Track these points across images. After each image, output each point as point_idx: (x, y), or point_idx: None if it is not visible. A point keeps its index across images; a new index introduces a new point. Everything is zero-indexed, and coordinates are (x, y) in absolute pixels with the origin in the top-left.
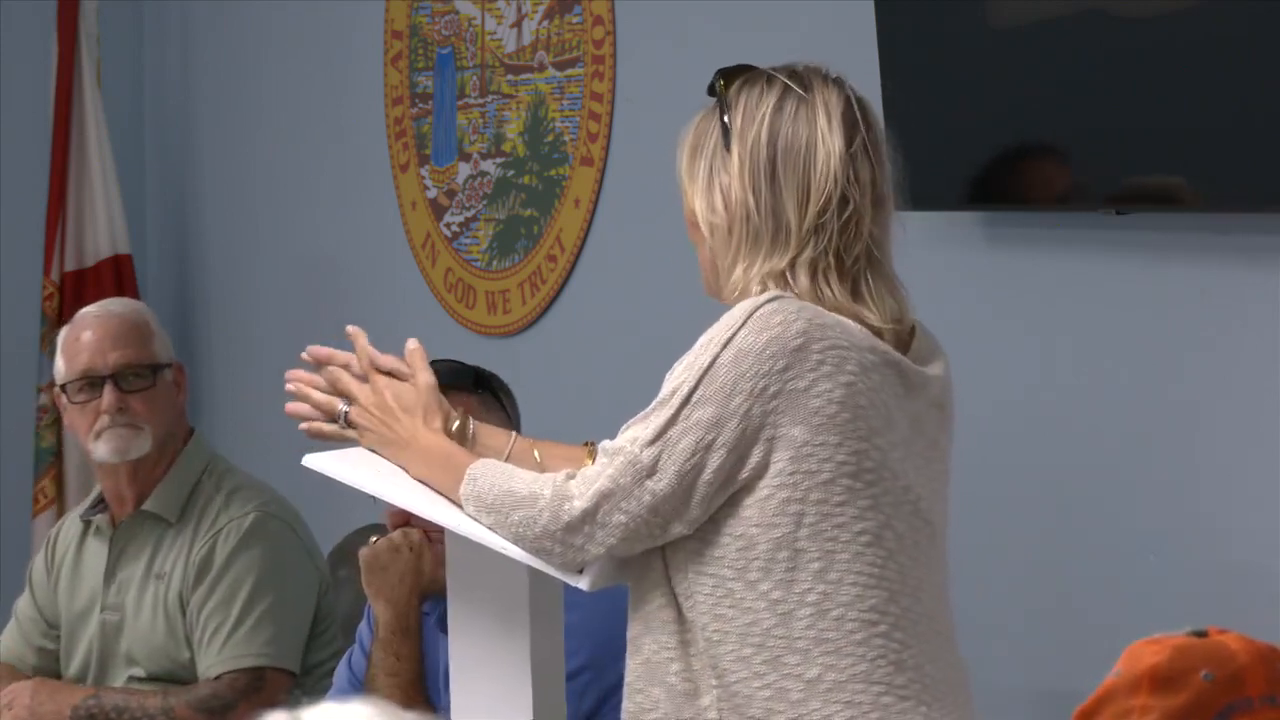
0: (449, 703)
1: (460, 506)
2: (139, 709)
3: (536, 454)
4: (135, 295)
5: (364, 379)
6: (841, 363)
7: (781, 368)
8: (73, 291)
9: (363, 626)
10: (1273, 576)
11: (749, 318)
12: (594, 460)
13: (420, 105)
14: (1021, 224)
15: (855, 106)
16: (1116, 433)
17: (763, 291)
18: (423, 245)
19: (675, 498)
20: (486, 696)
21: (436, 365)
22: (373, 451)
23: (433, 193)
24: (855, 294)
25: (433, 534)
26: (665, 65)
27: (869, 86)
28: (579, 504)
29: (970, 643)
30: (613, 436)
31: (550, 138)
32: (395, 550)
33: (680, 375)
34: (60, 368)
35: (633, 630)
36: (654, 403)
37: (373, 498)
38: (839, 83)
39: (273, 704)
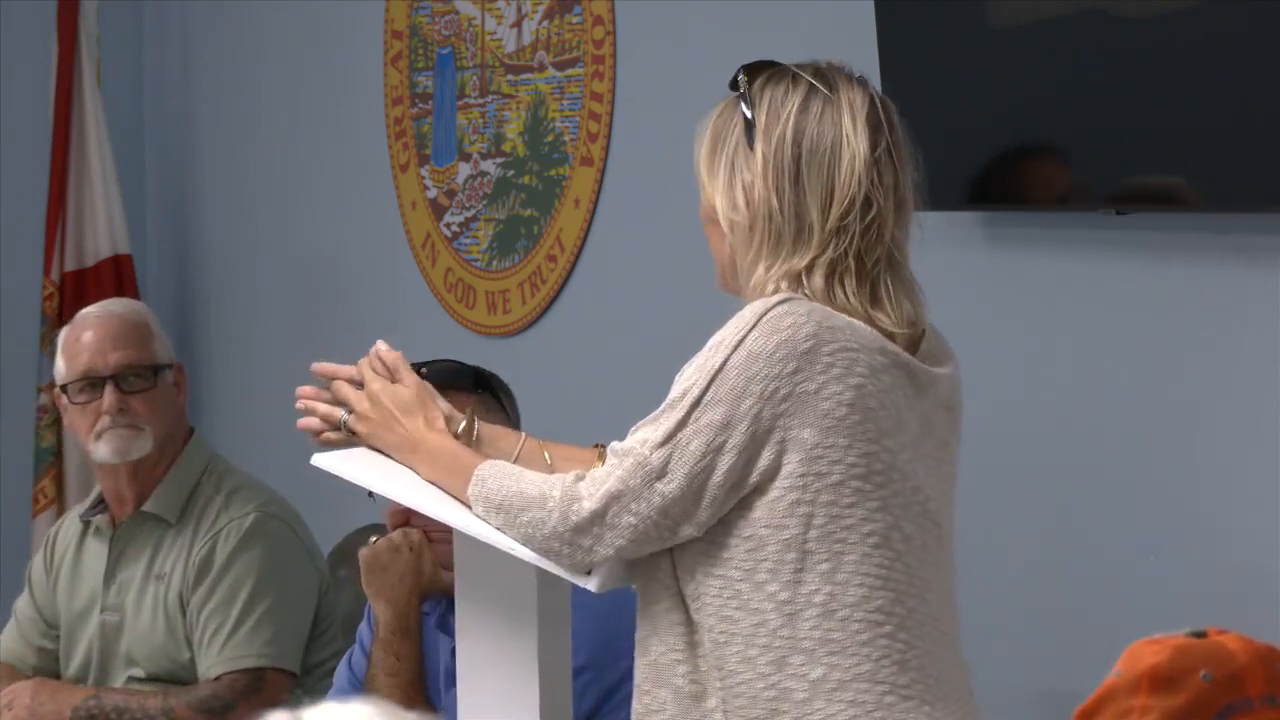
0: (449, 703)
1: (469, 507)
2: (139, 709)
3: (547, 455)
4: (135, 295)
5: (360, 385)
6: (851, 365)
7: (792, 370)
8: (73, 291)
9: (363, 627)
10: (1273, 576)
11: (759, 320)
12: (604, 462)
13: (420, 105)
14: (1021, 224)
15: (879, 108)
16: (1116, 433)
17: (778, 291)
18: (423, 245)
19: (685, 500)
20: (493, 697)
21: (436, 365)
22: (378, 452)
23: (433, 193)
24: (874, 297)
25: (433, 534)
26: (665, 65)
27: None
28: (588, 505)
29: (971, 643)
30: (613, 436)
31: (550, 138)
32: (395, 550)
33: (691, 377)
34: (60, 368)
35: (641, 631)
36: (664, 404)
37: (372, 497)
38: (863, 82)
39: (273, 704)
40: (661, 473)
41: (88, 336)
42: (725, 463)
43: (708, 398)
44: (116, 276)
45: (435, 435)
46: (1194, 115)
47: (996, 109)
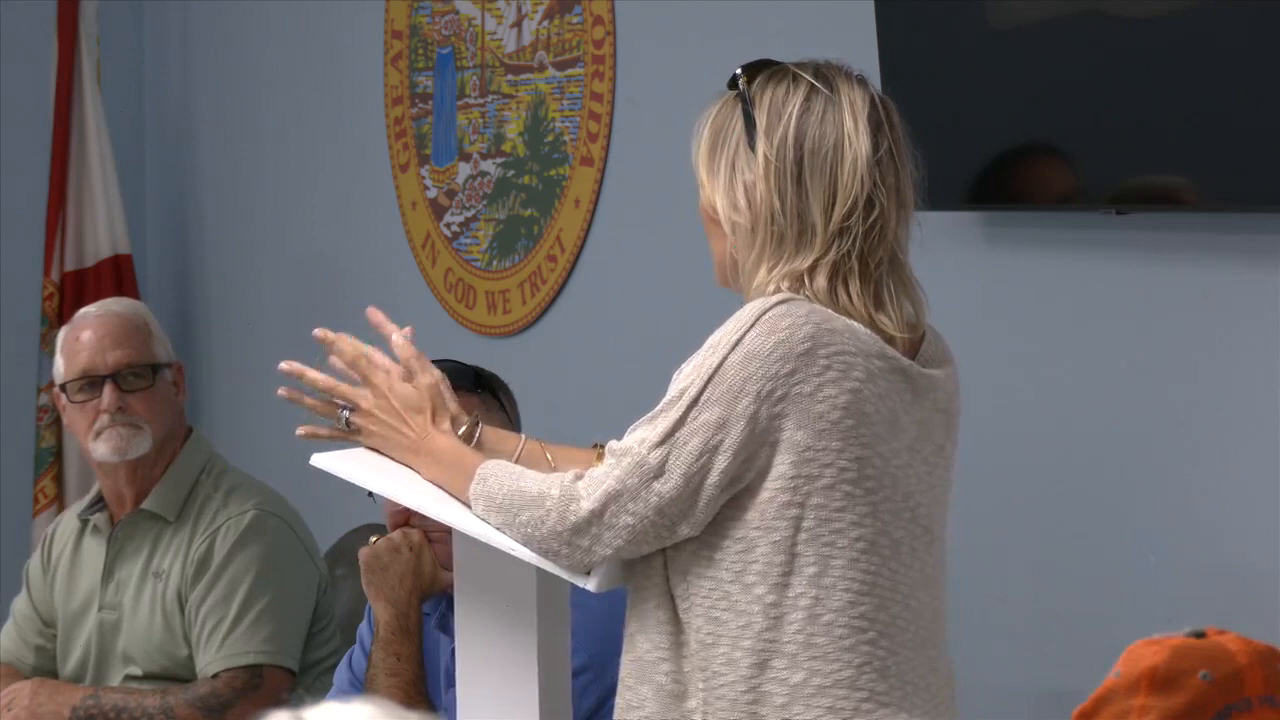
0: (449, 703)
1: (469, 506)
2: (138, 708)
3: (549, 457)
4: (135, 295)
5: (359, 382)
6: (848, 369)
7: (788, 371)
8: (73, 291)
9: (363, 627)
10: (1273, 576)
11: (758, 320)
12: (602, 461)
13: (420, 105)
14: (1021, 224)
15: (880, 107)
16: (1117, 433)
17: (779, 292)
18: (423, 245)
19: (682, 499)
20: (493, 697)
21: (436, 365)
22: (376, 452)
23: (433, 193)
24: (877, 299)
25: (433, 534)
26: (665, 65)
27: None
28: (586, 505)
29: (970, 643)
30: (613, 436)
31: (550, 138)
32: (395, 550)
33: (688, 376)
34: (60, 367)
35: (629, 627)
36: (661, 404)
37: (372, 497)
38: (863, 81)
39: (271, 702)
40: (659, 472)
41: (87, 336)
42: (722, 462)
43: (705, 397)
44: (116, 276)
45: (439, 435)
46: (1194, 115)
47: (996, 109)
